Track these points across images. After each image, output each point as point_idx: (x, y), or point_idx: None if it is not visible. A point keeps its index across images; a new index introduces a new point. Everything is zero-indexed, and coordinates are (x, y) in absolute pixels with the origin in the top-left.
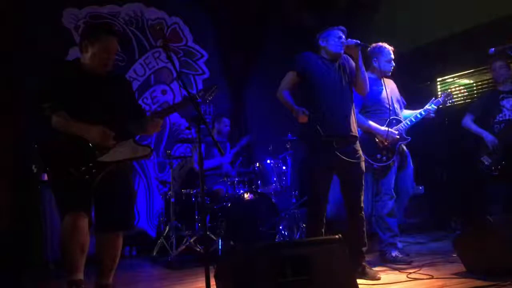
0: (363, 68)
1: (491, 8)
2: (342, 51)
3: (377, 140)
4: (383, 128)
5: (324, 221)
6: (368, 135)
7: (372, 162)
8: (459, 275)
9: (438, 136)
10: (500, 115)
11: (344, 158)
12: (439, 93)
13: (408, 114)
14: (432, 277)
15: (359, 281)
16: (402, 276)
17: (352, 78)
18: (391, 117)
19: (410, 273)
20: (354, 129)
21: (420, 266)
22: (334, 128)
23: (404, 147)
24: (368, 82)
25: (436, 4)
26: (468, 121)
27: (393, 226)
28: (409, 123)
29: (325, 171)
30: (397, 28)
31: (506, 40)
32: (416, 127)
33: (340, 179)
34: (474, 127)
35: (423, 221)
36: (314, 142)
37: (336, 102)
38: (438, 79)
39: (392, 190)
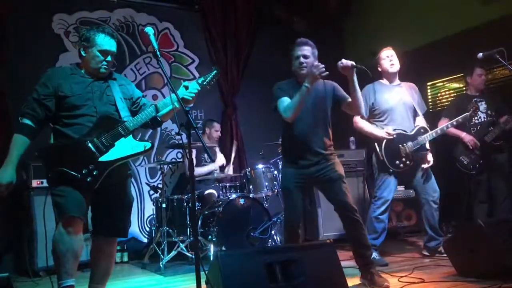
0: (359, 90)
1: (480, 13)
2: (303, 72)
3: (400, 146)
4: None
5: (300, 232)
6: (394, 139)
7: (388, 165)
8: (450, 278)
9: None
10: (475, 118)
11: (317, 175)
12: (429, 97)
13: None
14: (423, 281)
15: None
16: (393, 280)
17: (338, 101)
18: (419, 126)
19: (401, 276)
20: (330, 151)
21: (411, 270)
22: (306, 154)
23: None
24: (363, 104)
25: (425, 9)
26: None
27: (378, 228)
28: (434, 135)
29: (301, 192)
30: (386, 33)
31: (495, 44)
32: None
33: (322, 190)
34: (452, 129)
35: (414, 224)
36: (287, 162)
37: (309, 130)
38: (428, 83)
39: (390, 197)
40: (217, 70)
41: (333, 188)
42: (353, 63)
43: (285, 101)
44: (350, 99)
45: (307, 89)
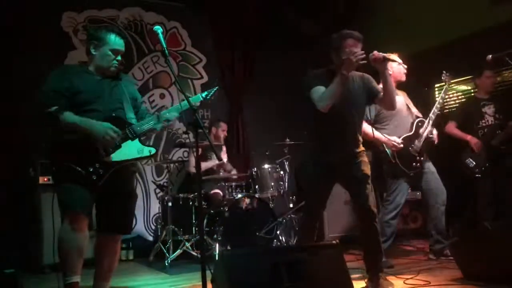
0: (391, 83)
1: (489, 15)
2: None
3: (410, 148)
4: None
5: (317, 228)
6: (404, 145)
7: (406, 171)
8: (456, 281)
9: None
10: (483, 121)
11: (343, 172)
12: (437, 99)
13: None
14: (429, 283)
15: None
16: (399, 282)
17: (371, 95)
18: (416, 121)
19: (407, 279)
20: (360, 149)
21: (417, 272)
22: (338, 152)
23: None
24: (396, 98)
25: (433, 10)
26: (451, 127)
27: (387, 233)
28: (431, 120)
29: (324, 182)
30: (395, 34)
31: (504, 46)
32: None
33: (345, 188)
34: (458, 132)
35: (420, 227)
36: (315, 156)
37: (342, 125)
38: (436, 85)
39: (402, 201)
40: (219, 87)
41: (356, 188)
42: (385, 55)
43: (320, 89)
44: (382, 93)
45: (344, 77)
